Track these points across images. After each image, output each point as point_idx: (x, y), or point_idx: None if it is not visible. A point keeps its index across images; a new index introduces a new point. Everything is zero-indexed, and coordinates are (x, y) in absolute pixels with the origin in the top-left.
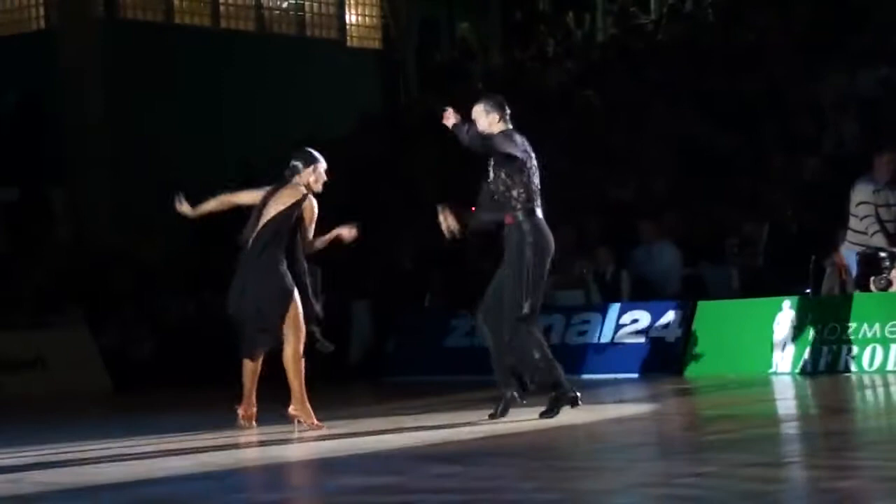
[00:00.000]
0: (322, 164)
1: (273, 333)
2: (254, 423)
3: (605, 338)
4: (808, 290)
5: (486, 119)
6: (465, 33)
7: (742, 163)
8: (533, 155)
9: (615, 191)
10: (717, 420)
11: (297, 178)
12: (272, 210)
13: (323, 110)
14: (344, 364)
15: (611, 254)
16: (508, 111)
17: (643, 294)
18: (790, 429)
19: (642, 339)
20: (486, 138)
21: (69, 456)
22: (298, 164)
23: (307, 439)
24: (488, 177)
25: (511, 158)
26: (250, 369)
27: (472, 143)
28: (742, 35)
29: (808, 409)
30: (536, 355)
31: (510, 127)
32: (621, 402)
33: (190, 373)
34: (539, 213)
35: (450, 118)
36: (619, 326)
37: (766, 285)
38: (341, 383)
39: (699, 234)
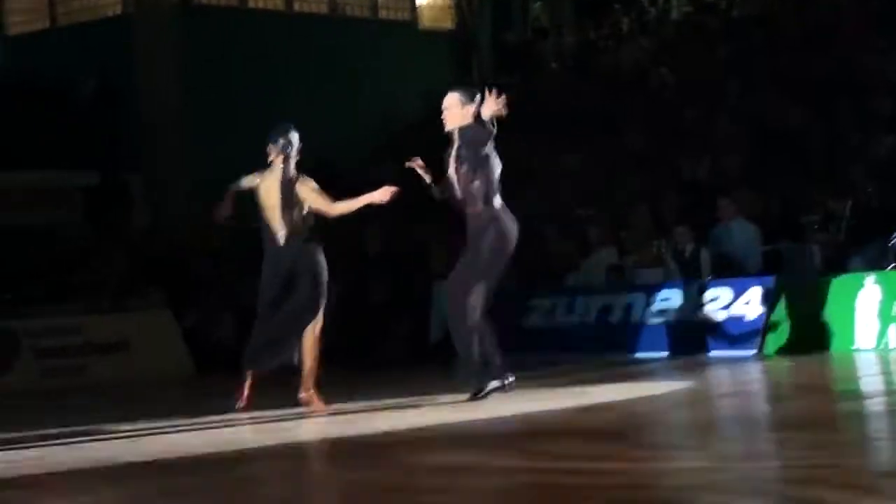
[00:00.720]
0: (282, 141)
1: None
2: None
3: (685, 316)
4: (892, 266)
5: (462, 110)
6: (537, 12)
7: (817, 140)
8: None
9: (690, 169)
10: (799, 397)
11: (272, 157)
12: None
13: (395, 93)
14: (425, 344)
15: (689, 232)
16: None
17: (723, 272)
18: (876, 405)
19: (724, 317)
20: (470, 149)
21: (155, 432)
22: (275, 139)
23: (390, 417)
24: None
25: (482, 159)
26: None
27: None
28: (817, 12)
29: (892, 386)
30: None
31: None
32: (700, 379)
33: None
34: (498, 203)
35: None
36: (699, 304)
37: (848, 262)
38: (421, 363)
39: (775, 212)
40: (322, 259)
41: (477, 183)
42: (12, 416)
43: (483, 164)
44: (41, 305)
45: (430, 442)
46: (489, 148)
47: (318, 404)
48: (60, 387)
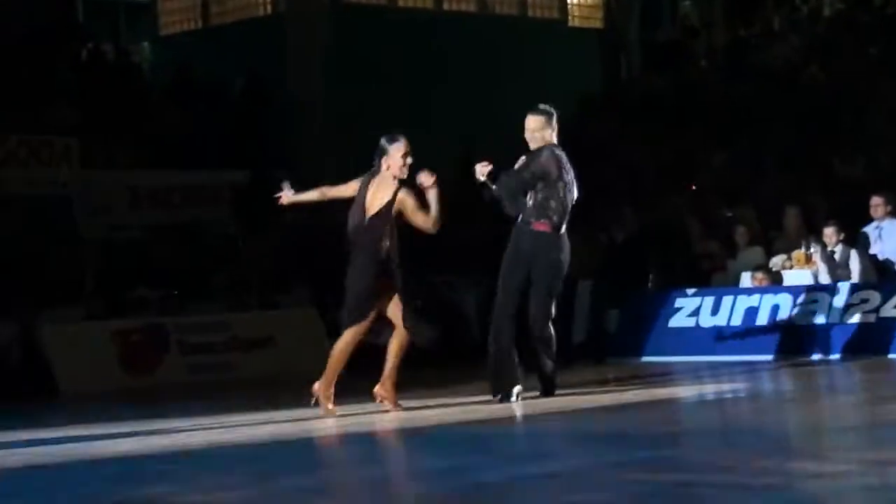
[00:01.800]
0: (396, 148)
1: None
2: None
3: (834, 318)
4: None
5: (543, 133)
6: (687, 11)
7: None
8: (570, 171)
9: (843, 168)
10: None
11: (384, 165)
12: (375, 204)
13: (544, 92)
14: (568, 344)
15: (839, 232)
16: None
17: (873, 273)
18: None
19: (872, 320)
20: (519, 173)
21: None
22: (385, 146)
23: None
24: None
25: (546, 175)
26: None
27: (506, 190)
28: None
29: None
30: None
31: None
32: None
33: (417, 349)
34: (564, 230)
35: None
36: (848, 306)
37: None
38: (565, 363)
39: None
40: None
41: (553, 203)
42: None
43: (554, 186)
44: (190, 302)
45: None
46: (558, 172)
47: (392, 403)
48: (207, 382)
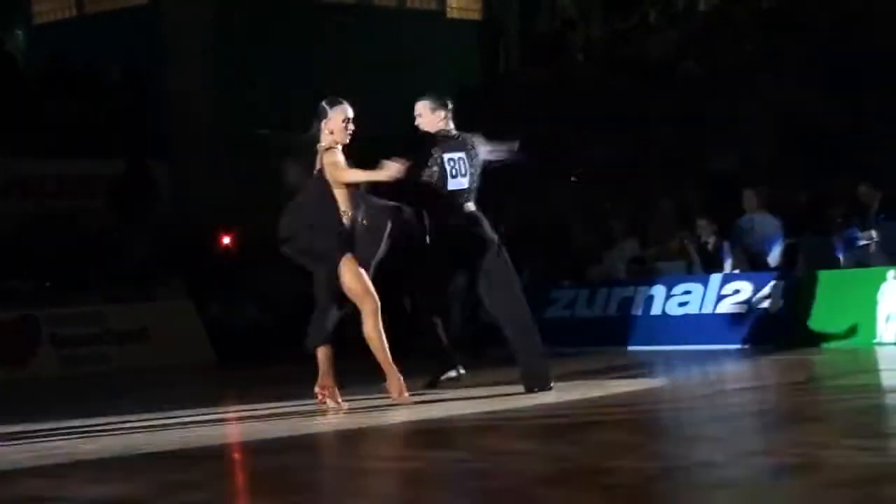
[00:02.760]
0: (338, 112)
1: None
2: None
3: (707, 309)
4: None
5: (431, 116)
6: (566, 3)
7: (846, 132)
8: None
9: (717, 161)
10: (820, 390)
11: (325, 130)
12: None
13: (422, 83)
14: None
15: (712, 224)
16: (451, 108)
17: (745, 265)
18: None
19: (744, 310)
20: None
21: (173, 421)
22: (326, 108)
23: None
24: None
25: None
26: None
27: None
28: (847, 0)
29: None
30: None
31: (451, 126)
32: (721, 373)
33: (295, 347)
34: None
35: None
36: (721, 297)
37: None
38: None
39: (801, 205)
40: None
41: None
42: (35, 406)
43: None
44: (63, 293)
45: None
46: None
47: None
48: (81, 375)
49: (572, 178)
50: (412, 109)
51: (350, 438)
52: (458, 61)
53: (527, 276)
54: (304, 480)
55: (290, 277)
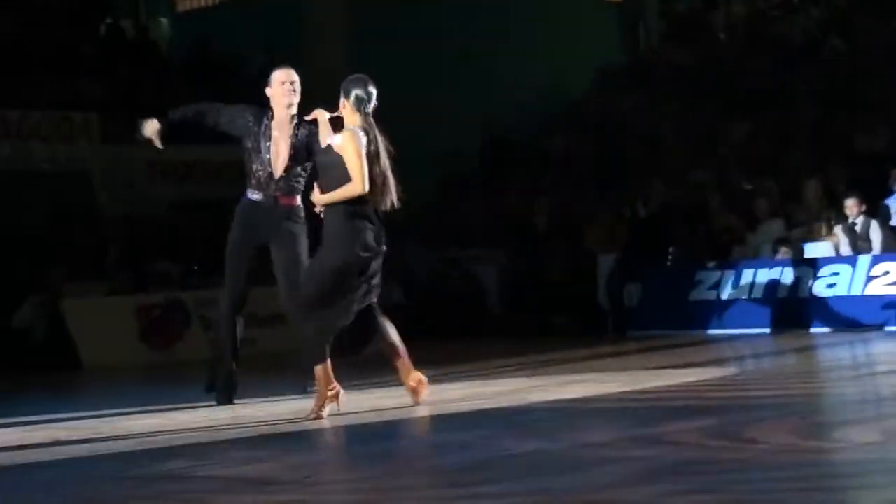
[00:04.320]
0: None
1: None
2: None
3: (856, 290)
4: None
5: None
6: None
7: None
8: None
9: (864, 140)
10: None
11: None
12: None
13: (564, 64)
14: (592, 316)
15: (860, 204)
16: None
17: (894, 245)
18: None
19: (894, 291)
20: None
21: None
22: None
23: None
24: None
25: None
26: None
27: None
28: None
29: None
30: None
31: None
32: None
33: (437, 327)
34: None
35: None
36: (870, 278)
37: None
38: (587, 336)
39: None
40: None
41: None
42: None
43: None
44: (213, 277)
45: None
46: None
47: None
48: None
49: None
50: (554, 91)
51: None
52: (599, 42)
53: (673, 255)
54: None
55: (429, 260)
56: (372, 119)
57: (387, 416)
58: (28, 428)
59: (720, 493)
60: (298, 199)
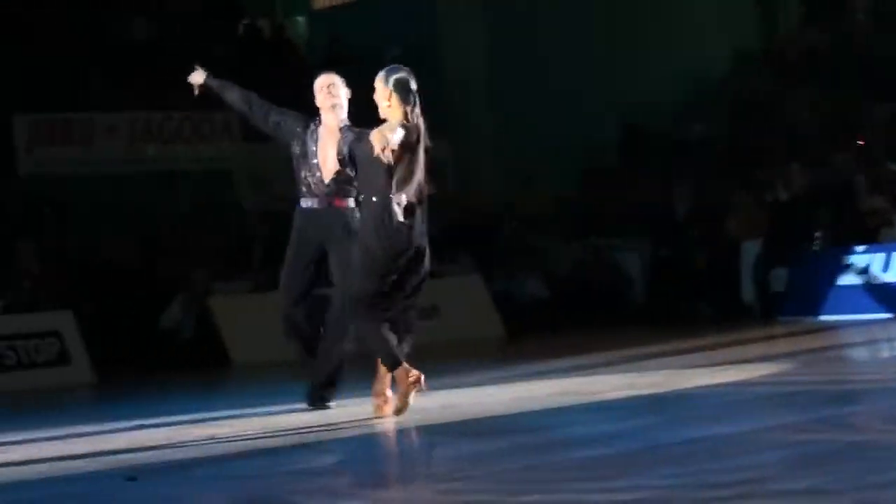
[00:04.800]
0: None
1: None
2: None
3: None
4: None
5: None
6: None
7: None
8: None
9: None
10: None
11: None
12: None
13: (703, 49)
14: (736, 303)
15: None
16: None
17: None
18: None
19: None
20: None
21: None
22: None
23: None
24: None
25: None
26: None
27: None
28: None
29: None
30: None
31: None
32: None
33: (581, 317)
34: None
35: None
36: None
37: None
38: (734, 323)
39: None
40: None
41: None
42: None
43: None
44: None
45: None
46: None
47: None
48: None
49: (860, 141)
50: (693, 77)
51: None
52: (735, 24)
53: (818, 240)
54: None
55: (571, 251)
56: (419, 110)
57: (534, 406)
58: (182, 426)
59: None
60: (352, 201)
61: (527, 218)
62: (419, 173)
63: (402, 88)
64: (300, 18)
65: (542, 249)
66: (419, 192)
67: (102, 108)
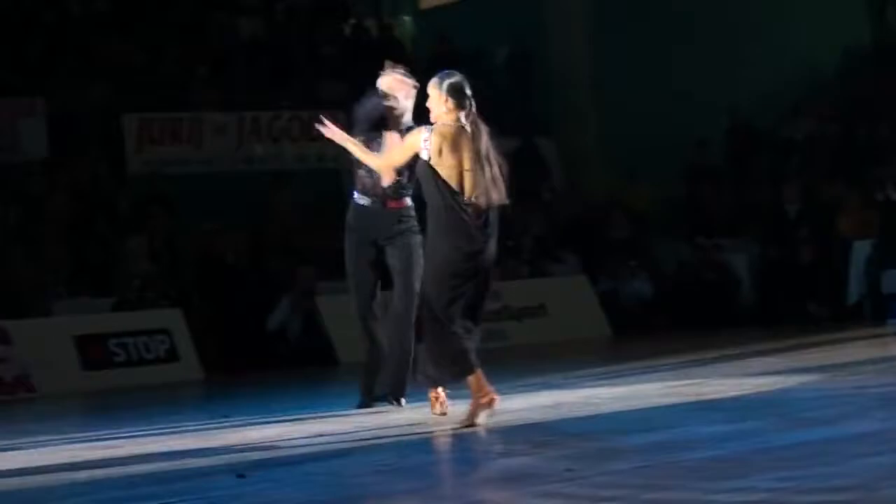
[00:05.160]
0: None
1: None
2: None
3: None
4: None
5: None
6: None
7: None
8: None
9: None
10: None
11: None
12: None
13: (811, 46)
14: (843, 305)
15: None
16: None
17: None
18: None
19: None
20: None
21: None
22: None
23: None
24: None
25: None
26: None
27: None
28: None
29: None
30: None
31: None
32: None
33: (688, 317)
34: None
35: None
36: None
37: None
38: (844, 324)
39: None
40: None
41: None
42: None
43: None
44: None
45: None
46: None
47: None
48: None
49: None
50: (800, 74)
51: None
52: (843, 21)
53: None
54: None
55: (678, 251)
56: (475, 115)
57: (641, 405)
58: (289, 423)
59: None
60: (408, 200)
61: (632, 216)
62: (480, 177)
63: (456, 93)
64: (407, 18)
65: (648, 248)
66: (483, 193)
67: (210, 108)
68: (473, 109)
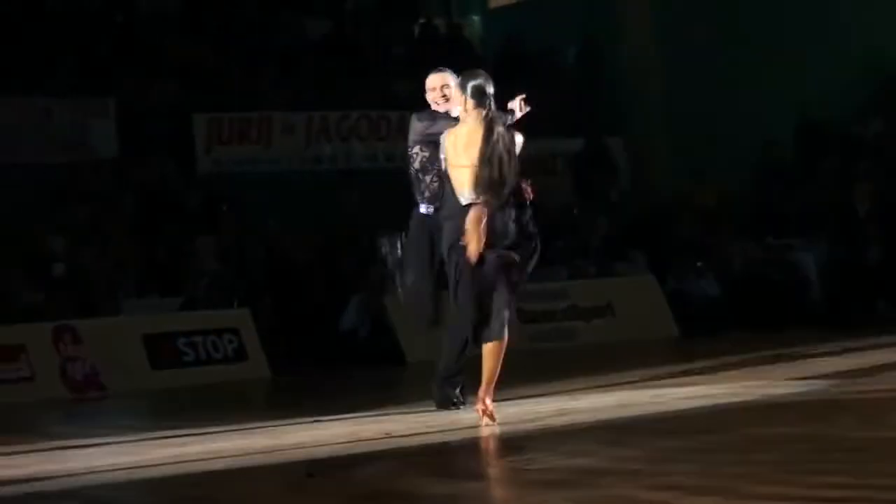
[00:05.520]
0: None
1: None
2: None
3: None
4: None
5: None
6: None
7: None
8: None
9: None
10: None
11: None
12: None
13: (881, 43)
14: None
15: None
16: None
17: None
18: None
19: None
20: None
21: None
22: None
23: None
24: None
25: None
26: None
27: None
28: None
29: None
30: None
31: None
32: None
33: (756, 317)
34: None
35: None
36: None
37: None
38: None
39: None
40: None
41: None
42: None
43: None
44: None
45: None
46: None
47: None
48: (547, 350)
49: None
50: (870, 71)
51: None
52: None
53: None
54: None
55: (746, 250)
56: (494, 114)
57: (709, 404)
58: (358, 422)
59: None
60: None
61: (701, 216)
62: (495, 173)
63: (478, 94)
64: (476, 17)
65: (716, 248)
66: (491, 187)
67: (279, 107)
68: (492, 109)
